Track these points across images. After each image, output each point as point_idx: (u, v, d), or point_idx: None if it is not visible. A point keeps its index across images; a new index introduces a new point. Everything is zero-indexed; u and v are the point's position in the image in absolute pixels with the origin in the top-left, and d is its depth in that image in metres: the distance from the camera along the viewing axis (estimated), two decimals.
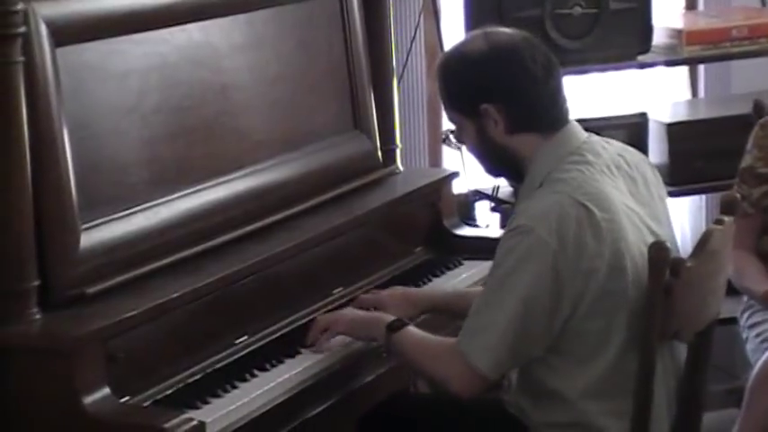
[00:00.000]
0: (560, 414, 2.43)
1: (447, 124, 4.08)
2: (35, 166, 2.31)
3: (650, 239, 2.41)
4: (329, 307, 2.78)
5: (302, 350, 2.58)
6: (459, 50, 2.51)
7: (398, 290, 2.79)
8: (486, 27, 2.52)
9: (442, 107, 2.58)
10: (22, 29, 2.27)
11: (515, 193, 3.63)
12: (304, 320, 2.71)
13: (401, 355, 2.53)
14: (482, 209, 3.71)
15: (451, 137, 2.61)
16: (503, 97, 2.44)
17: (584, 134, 2.51)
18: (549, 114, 2.47)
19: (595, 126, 2.59)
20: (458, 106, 2.50)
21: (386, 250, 3.02)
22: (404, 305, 2.72)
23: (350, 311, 2.65)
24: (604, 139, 2.55)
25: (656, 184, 2.56)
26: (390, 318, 2.56)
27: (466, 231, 3.21)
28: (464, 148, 2.62)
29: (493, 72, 2.44)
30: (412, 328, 2.53)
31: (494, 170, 2.59)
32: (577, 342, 2.39)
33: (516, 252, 2.36)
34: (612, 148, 2.52)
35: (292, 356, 2.56)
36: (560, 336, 2.38)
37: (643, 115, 3.83)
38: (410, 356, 2.51)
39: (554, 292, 2.35)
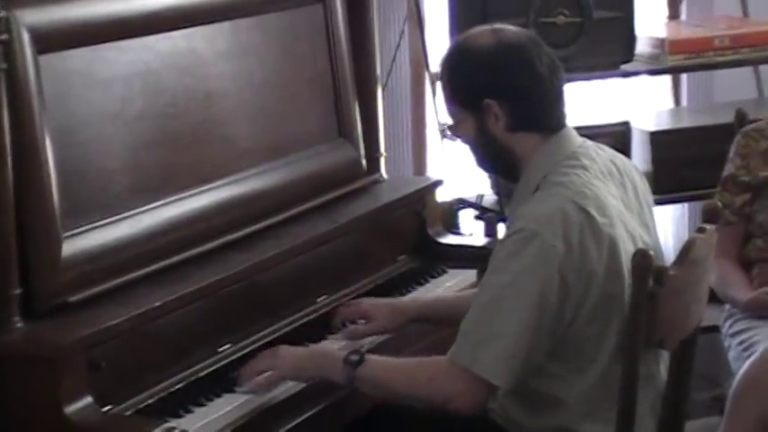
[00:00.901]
0: (552, 420, 2.41)
1: (432, 132, 4.09)
2: (17, 174, 2.30)
3: (640, 247, 2.40)
4: (313, 315, 2.78)
5: None
6: (466, 44, 2.48)
7: (381, 301, 2.76)
8: (494, 24, 2.48)
9: (443, 99, 2.52)
10: (4, 36, 2.26)
11: (499, 202, 3.64)
12: (288, 329, 2.71)
13: (374, 386, 2.42)
14: (466, 217, 3.71)
15: (448, 131, 2.55)
16: (507, 94, 2.42)
17: (580, 139, 2.50)
18: (550, 115, 2.45)
19: (579, 134, 2.59)
20: (460, 99, 2.47)
21: (370, 258, 3.01)
22: (391, 315, 2.70)
23: (288, 353, 2.48)
24: (597, 144, 2.54)
25: (644, 191, 2.56)
26: (341, 353, 2.46)
27: (450, 240, 3.21)
28: (455, 154, 2.60)
29: (500, 68, 2.42)
30: (375, 357, 2.43)
31: (487, 165, 2.58)
32: (575, 348, 2.37)
33: (522, 257, 2.31)
34: (605, 154, 2.52)
35: None
36: (560, 341, 2.36)
37: (626, 124, 3.84)
38: (390, 386, 2.40)
39: (560, 297, 2.32)
